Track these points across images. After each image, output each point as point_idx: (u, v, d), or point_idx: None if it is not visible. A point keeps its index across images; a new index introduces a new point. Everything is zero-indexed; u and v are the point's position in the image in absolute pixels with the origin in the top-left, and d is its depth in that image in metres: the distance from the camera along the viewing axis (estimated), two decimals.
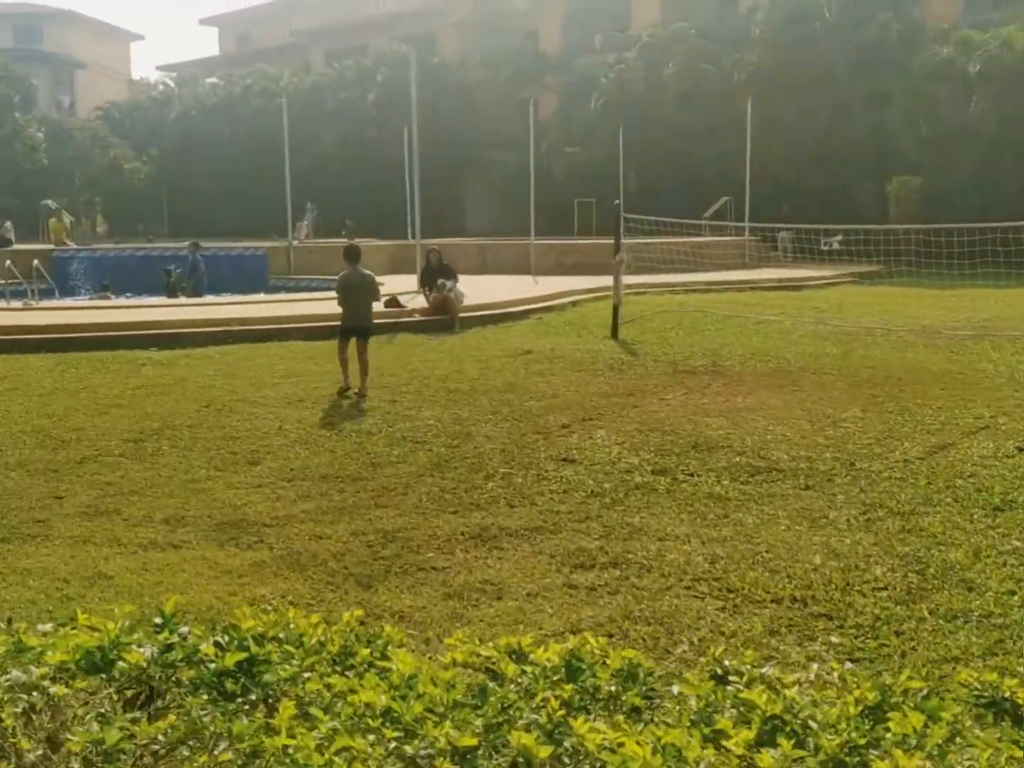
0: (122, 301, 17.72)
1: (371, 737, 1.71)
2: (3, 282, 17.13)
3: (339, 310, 11.48)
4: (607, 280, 20.73)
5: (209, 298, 18.35)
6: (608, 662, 2.04)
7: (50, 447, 8.10)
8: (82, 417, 9.24)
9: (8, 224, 28.95)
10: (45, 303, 16.80)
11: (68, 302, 18.05)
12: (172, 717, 1.77)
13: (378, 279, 21.05)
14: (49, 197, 41.92)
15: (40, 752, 1.75)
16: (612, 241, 15.93)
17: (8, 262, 16.44)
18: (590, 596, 4.92)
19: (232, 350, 13.37)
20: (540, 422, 8.85)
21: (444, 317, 15.62)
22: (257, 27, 61.97)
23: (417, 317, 15.72)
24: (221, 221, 46.74)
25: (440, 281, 16.12)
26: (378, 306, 13.61)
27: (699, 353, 12.66)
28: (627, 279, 16.82)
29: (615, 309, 14.61)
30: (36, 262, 16.76)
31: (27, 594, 5.00)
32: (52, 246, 26.09)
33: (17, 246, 27.61)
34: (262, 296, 18.64)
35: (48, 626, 2.08)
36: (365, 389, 10.31)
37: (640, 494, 6.61)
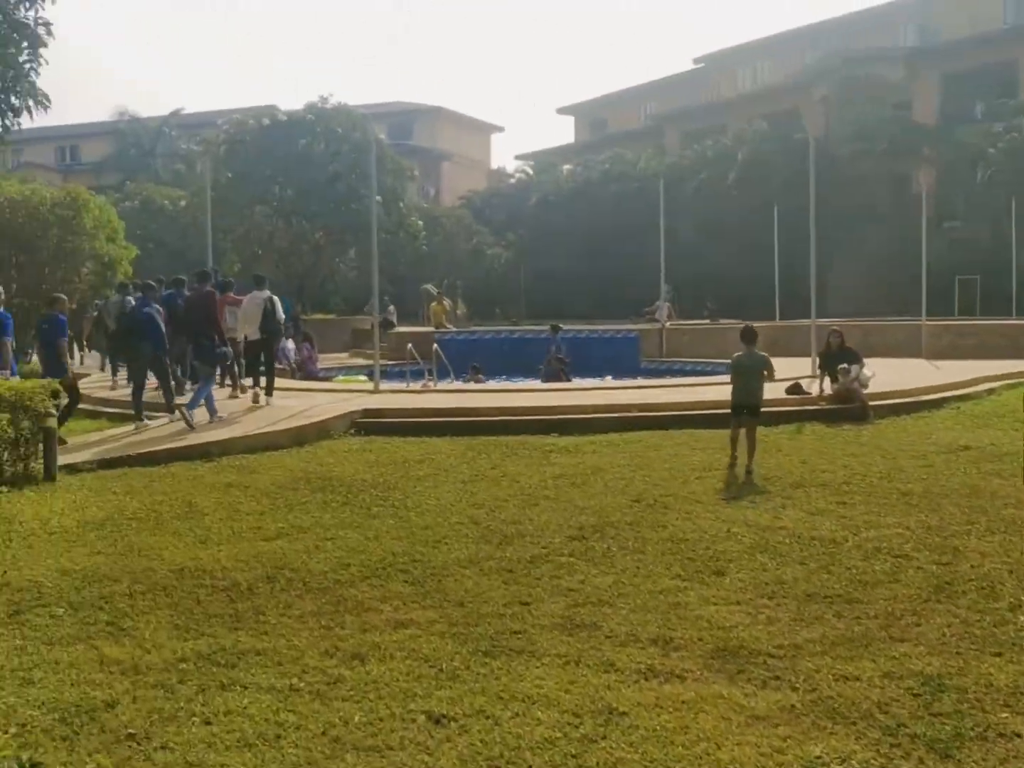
0: (510, 384, 17.85)
1: None
2: (398, 363, 17.71)
3: None
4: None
5: (610, 381, 18.10)
6: None
7: (494, 542, 7.70)
8: (513, 508, 8.86)
9: (391, 308, 30.52)
10: (442, 385, 17.11)
11: (459, 384, 18.37)
12: None
13: None
14: (421, 282, 44.30)
15: None
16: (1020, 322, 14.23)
17: (409, 345, 16.92)
18: None
19: (635, 437, 12.84)
20: None
21: (852, 405, 14.40)
22: (612, 113, 63.46)
23: (823, 405, 14.60)
24: (578, 303, 47.54)
25: (842, 367, 14.94)
26: (777, 388, 13.09)
27: None
28: None
29: None
30: (436, 346, 17.16)
31: (539, 730, 4.39)
32: (432, 329, 27.09)
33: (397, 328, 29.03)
34: (663, 380, 18.15)
35: None
36: (752, 466, 10.47)
37: None
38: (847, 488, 9.50)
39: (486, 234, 52.99)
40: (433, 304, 29.27)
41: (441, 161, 65.46)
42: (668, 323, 26.95)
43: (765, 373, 11.47)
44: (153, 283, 14.31)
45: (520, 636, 5.63)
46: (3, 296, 12.16)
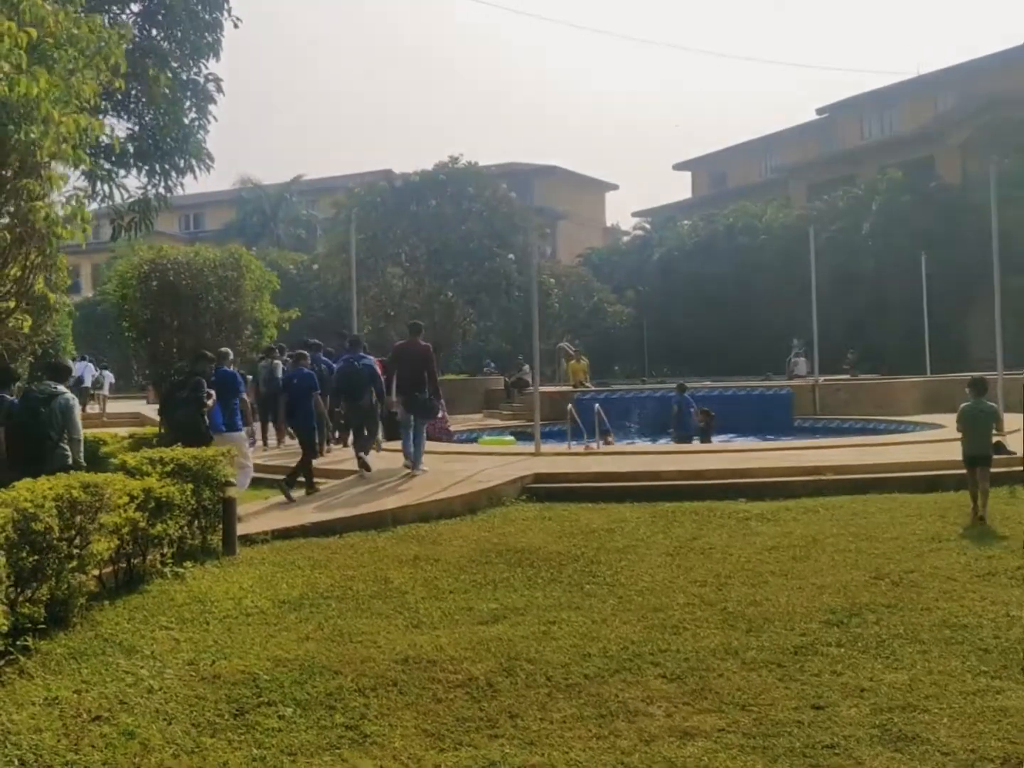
0: (671, 446, 16.96)
1: None
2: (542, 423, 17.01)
3: (937, 457, 12.44)
4: None
5: (790, 442, 17.07)
6: None
7: (740, 628, 6.83)
8: (741, 587, 7.97)
9: (526, 367, 29.90)
10: (605, 447, 16.32)
11: (621, 446, 17.58)
12: None
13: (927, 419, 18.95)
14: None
15: None
16: None
17: (570, 406, 16.20)
18: None
19: (834, 503, 11.85)
20: None
21: None
22: (731, 167, 62.66)
23: None
24: (702, 360, 46.45)
25: None
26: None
27: None
28: None
29: None
30: (597, 406, 16.40)
31: None
32: (571, 388, 26.37)
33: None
34: (842, 440, 17.06)
35: None
36: (984, 512, 10.57)
37: None
38: None
39: (606, 291, 52.26)
40: (571, 362, 28.59)
41: (557, 220, 65.21)
42: (822, 379, 25.75)
43: (995, 424, 11.55)
44: (360, 337, 14.47)
45: (837, 752, 4.74)
46: (231, 356, 12.25)
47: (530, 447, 17.89)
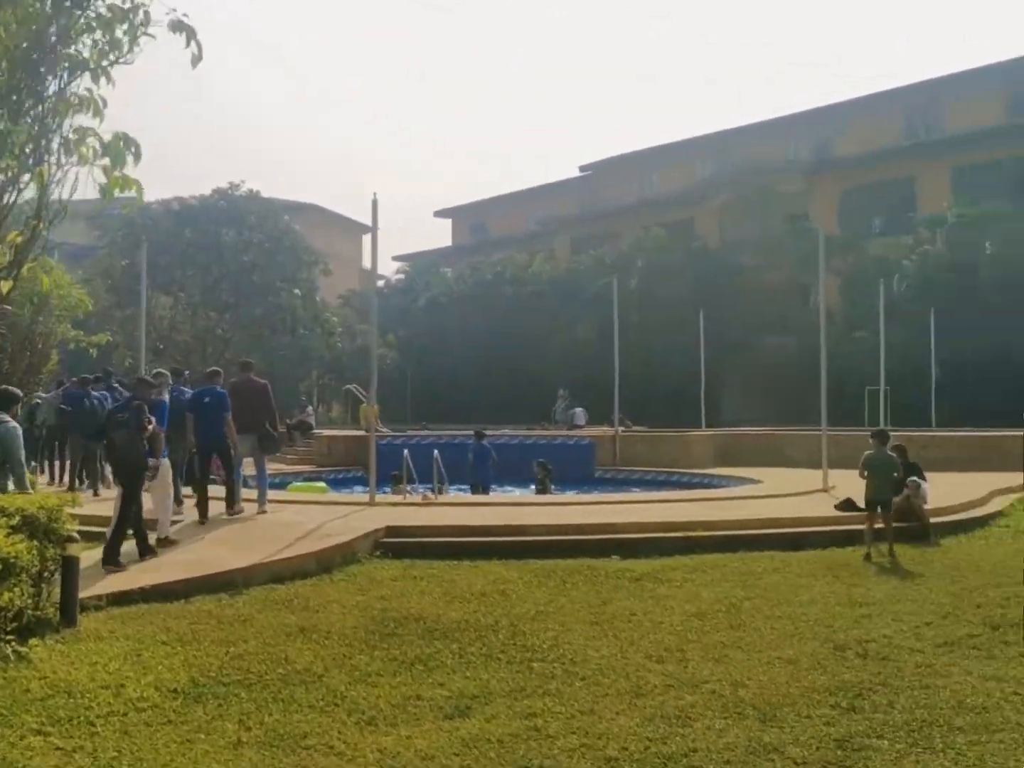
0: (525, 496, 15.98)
1: None
2: (329, 470, 15.81)
3: (797, 513, 13.40)
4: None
5: (636, 494, 16.43)
6: None
7: (751, 716, 5.95)
8: (705, 662, 7.14)
9: (309, 409, 28.35)
10: (443, 497, 15.14)
11: (463, 496, 16.46)
12: None
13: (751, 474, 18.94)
14: (300, 382, 41.74)
15: None
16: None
17: (405, 452, 14.94)
18: None
19: (712, 561, 11.29)
20: None
21: (912, 523, 13.19)
22: (493, 217, 63.05)
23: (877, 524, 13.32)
24: (468, 407, 45.98)
25: (912, 480, 13.72)
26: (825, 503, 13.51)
27: None
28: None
29: None
30: (436, 452, 15.20)
31: None
32: (364, 432, 24.97)
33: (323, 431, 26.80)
34: (721, 492, 16.57)
35: None
36: (893, 551, 11.66)
37: None
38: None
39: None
40: (363, 405, 27.18)
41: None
42: (622, 429, 25.60)
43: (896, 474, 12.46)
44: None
45: None
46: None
47: (342, 495, 16.65)
